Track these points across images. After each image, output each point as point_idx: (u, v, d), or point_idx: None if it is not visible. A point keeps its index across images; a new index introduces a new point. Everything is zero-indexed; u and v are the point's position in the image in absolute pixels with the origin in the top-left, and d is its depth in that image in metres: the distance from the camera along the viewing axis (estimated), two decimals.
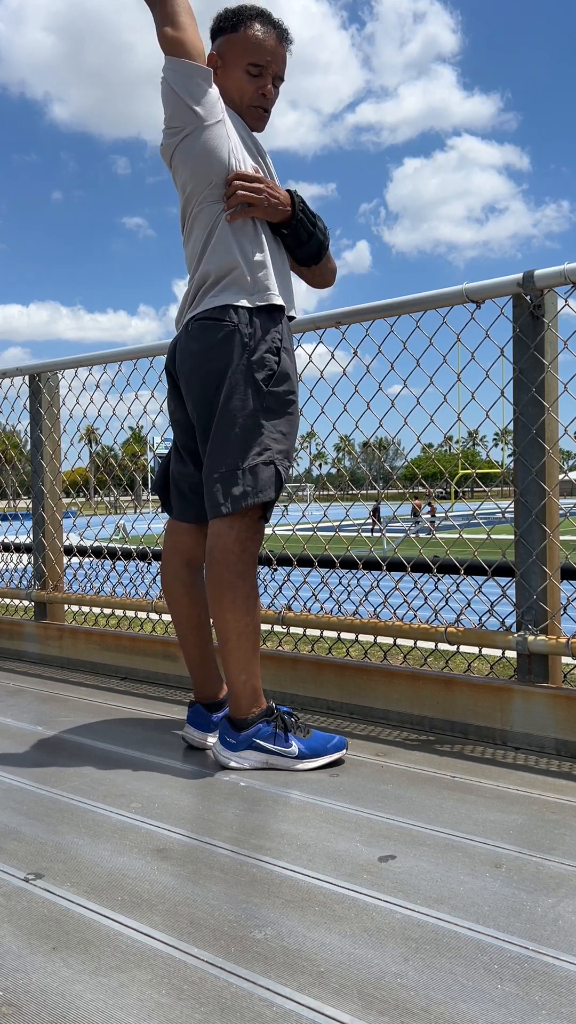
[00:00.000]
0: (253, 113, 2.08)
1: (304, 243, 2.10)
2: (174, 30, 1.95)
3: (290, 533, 2.82)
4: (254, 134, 2.10)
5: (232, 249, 1.99)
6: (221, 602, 1.96)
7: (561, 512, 2.20)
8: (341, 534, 2.71)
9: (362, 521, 2.74)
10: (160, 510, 2.43)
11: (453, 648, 2.43)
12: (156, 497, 2.29)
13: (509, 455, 2.33)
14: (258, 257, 2.01)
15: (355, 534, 2.69)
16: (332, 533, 2.70)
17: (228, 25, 2.05)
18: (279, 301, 2.02)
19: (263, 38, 2.04)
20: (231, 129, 2.01)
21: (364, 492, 2.88)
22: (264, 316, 2.00)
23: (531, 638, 2.14)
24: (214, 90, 1.99)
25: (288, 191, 2.05)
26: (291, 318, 2.11)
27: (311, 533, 2.75)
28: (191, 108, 1.96)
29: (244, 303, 1.98)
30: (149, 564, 3.20)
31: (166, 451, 2.30)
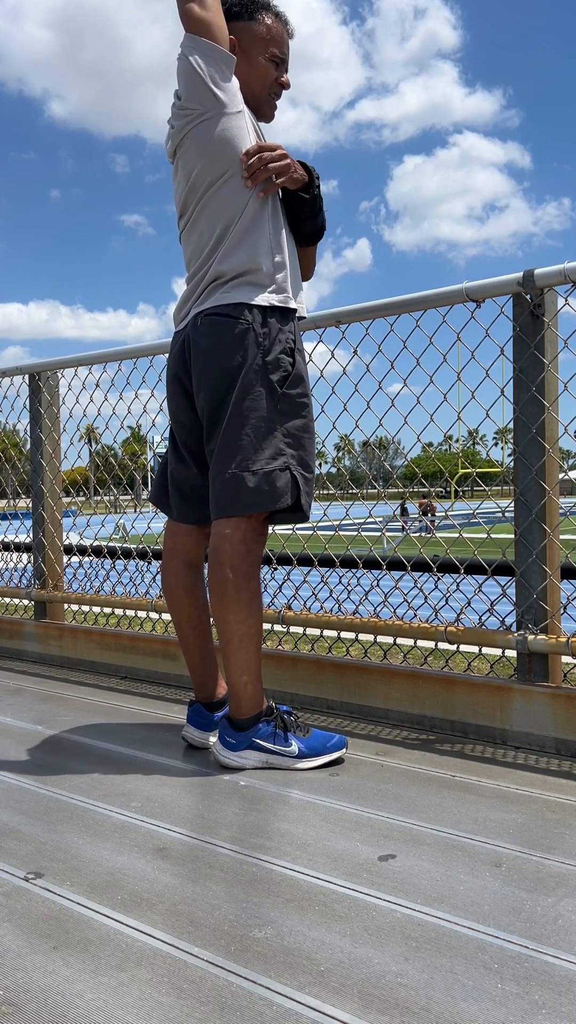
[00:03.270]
0: (271, 102, 2.08)
1: (316, 215, 2.06)
2: (202, 9, 1.90)
3: (290, 533, 2.82)
4: (261, 127, 2.08)
5: (252, 248, 1.96)
6: (225, 603, 1.95)
7: (561, 511, 2.20)
8: (341, 533, 2.71)
9: (362, 521, 2.74)
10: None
11: (453, 647, 2.43)
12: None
13: (509, 454, 2.33)
14: (278, 258, 1.99)
15: (355, 533, 2.69)
16: (332, 532, 2.70)
17: (243, 12, 2.02)
18: (295, 305, 2.01)
19: (281, 29, 2.05)
20: (249, 122, 1.98)
21: (364, 492, 2.88)
22: (278, 316, 1.97)
23: (531, 637, 2.14)
24: (235, 79, 1.95)
25: (300, 161, 2.02)
26: (301, 318, 2.08)
27: (311, 532, 2.75)
28: (214, 93, 1.92)
29: (259, 302, 1.95)
30: (149, 563, 3.20)
31: (165, 451, 2.29)
